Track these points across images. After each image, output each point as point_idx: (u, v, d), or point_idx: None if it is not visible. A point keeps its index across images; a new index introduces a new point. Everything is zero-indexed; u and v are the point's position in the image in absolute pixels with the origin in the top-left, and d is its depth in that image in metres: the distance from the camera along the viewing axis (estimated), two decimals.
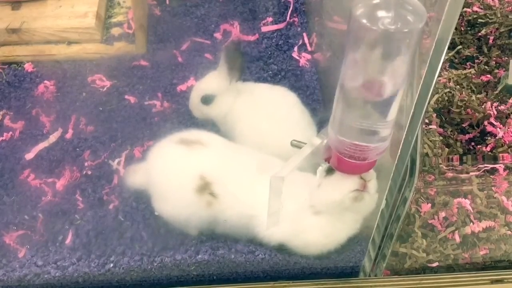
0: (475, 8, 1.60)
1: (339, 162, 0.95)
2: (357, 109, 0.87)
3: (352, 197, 1.02)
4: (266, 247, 1.15)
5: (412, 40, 0.75)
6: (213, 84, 1.31)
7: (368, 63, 0.80)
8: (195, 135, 1.21)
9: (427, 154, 1.22)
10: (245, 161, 1.18)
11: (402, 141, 0.92)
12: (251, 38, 1.65)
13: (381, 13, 0.75)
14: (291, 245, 1.13)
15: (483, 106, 1.35)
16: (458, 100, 1.35)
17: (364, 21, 0.74)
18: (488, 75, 1.45)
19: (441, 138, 1.27)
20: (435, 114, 1.32)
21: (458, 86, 1.40)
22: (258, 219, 1.11)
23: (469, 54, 1.52)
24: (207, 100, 1.30)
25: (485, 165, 1.13)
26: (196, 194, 1.10)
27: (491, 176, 1.15)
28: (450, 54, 1.50)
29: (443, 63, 1.45)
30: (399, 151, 0.93)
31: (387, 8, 0.74)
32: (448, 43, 0.77)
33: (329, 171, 1.04)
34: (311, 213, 1.09)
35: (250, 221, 1.12)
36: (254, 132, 1.27)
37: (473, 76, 1.45)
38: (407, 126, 0.89)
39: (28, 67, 1.55)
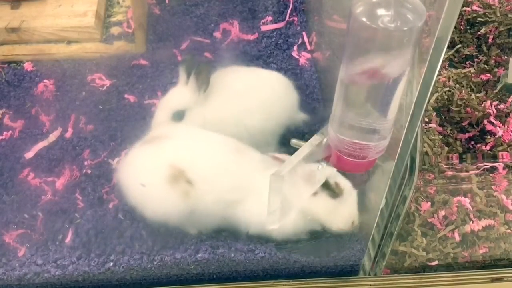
0: (474, 7, 1.60)
1: (339, 161, 0.95)
2: (357, 107, 0.87)
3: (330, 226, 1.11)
4: (264, 244, 1.15)
5: (412, 39, 0.75)
6: (183, 99, 1.26)
7: (367, 61, 0.80)
8: (158, 130, 1.20)
9: (426, 153, 1.22)
10: (216, 144, 1.16)
11: (402, 139, 0.92)
12: (251, 37, 1.65)
13: (380, 11, 0.75)
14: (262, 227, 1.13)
15: (482, 105, 1.35)
16: (457, 99, 1.35)
17: (364, 19, 0.74)
18: (488, 74, 1.45)
19: (440, 137, 1.27)
20: (434, 113, 1.32)
21: (457, 85, 1.40)
22: (239, 203, 1.11)
23: (468, 53, 1.52)
24: (178, 116, 1.25)
25: (485, 163, 1.14)
26: (172, 186, 1.09)
27: (490, 174, 1.15)
28: (449, 53, 1.50)
29: (442, 62, 1.45)
30: (399, 149, 0.93)
31: (387, 6, 0.74)
32: (447, 42, 0.77)
33: (333, 193, 1.09)
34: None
35: (231, 205, 1.12)
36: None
37: (473, 75, 1.45)
38: (406, 124, 0.89)
39: (27, 66, 1.55)
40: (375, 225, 1.11)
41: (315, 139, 0.99)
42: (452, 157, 1.13)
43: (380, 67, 0.80)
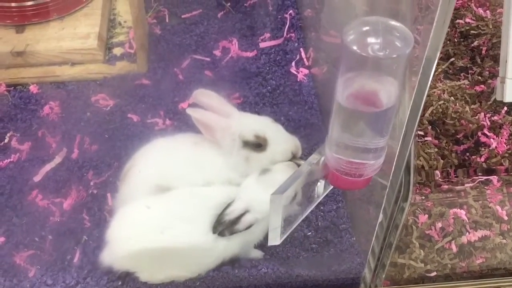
0: (467, 20, 1.63)
1: (336, 179, 0.98)
2: (352, 128, 0.90)
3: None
4: (267, 260, 1.18)
5: (401, 65, 0.79)
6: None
7: (360, 87, 0.83)
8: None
9: (422, 167, 1.24)
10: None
11: (396, 157, 0.95)
12: (250, 54, 1.68)
13: (370, 40, 0.78)
14: None
15: (477, 117, 1.37)
16: (452, 111, 1.38)
17: (355, 47, 0.78)
18: (482, 86, 1.47)
19: (436, 149, 1.30)
20: (430, 126, 1.35)
21: (452, 98, 1.43)
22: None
23: (463, 65, 1.55)
24: None
25: (480, 176, 1.16)
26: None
27: (485, 187, 1.18)
28: (444, 66, 1.53)
29: (437, 74, 1.48)
30: (393, 167, 0.97)
31: (376, 35, 0.78)
32: (435, 64, 0.81)
33: (259, 147, 1.15)
34: None
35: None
36: None
37: (467, 87, 1.47)
38: (400, 142, 0.93)
39: (33, 88, 1.58)
40: (374, 236, 1.14)
41: (313, 158, 1.02)
42: (448, 172, 1.15)
43: (373, 92, 0.83)
